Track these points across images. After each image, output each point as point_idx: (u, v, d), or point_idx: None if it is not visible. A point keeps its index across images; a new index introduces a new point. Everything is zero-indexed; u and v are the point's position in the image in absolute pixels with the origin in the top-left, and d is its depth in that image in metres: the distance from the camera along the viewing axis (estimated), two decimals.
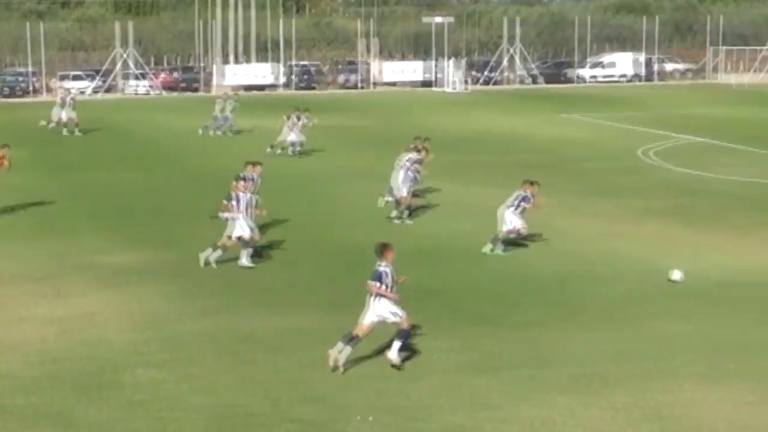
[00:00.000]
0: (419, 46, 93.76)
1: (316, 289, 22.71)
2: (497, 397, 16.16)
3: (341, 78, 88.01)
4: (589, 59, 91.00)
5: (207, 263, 24.32)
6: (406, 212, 29.79)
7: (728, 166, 40.04)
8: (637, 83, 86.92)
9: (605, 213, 31.09)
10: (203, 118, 53.94)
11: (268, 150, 43.28)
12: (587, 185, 36.11)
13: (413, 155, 30.73)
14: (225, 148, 46.51)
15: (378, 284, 17.18)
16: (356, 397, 16.15)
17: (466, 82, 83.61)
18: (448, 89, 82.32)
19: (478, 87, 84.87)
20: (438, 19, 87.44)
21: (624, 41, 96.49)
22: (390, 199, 29.93)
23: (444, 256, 25.85)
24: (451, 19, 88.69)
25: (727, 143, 47.74)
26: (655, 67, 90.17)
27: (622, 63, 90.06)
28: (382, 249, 17.55)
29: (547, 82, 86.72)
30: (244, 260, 24.48)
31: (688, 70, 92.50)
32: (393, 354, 17.19)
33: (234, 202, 24.68)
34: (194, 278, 23.46)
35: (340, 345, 17.20)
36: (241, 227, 24.50)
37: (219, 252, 24.50)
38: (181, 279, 23.37)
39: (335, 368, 17.08)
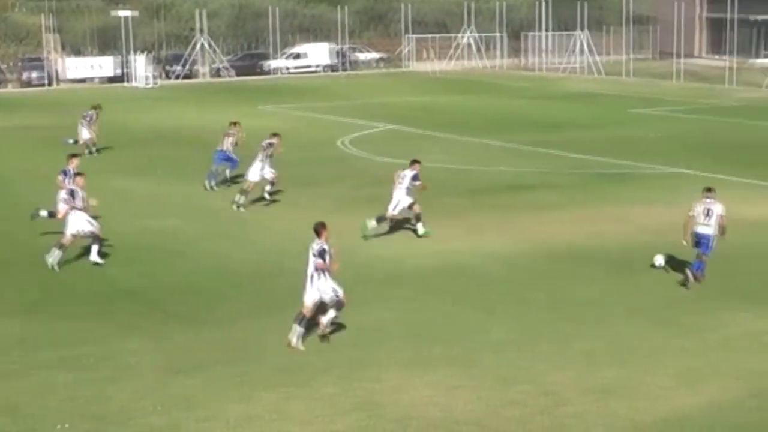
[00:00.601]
0: (108, 41, 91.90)
1: None
2: (200, 396, 16.10)
3: (25, 76, 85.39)
4: (284, 51, 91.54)
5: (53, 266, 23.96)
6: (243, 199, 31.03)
7: (427, 153, 41.10)
8: (332, 73, 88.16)
9: (304, 205, 31.36)
10: None
11: None
12: (285, 176, 36.31)
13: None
14: None
15: (323, 261, 18.28)
16: (51, 406, 15.75)
17: (155, 76, 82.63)
18: (138, 84, 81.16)
19: (171, 81, 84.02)
20: (125, 13, 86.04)
21: (318, 31, 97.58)
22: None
23: (140, 253, 25.51)
24: (137, 13, 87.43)
25: (424, 131, 49.09)
26: (348, 57, 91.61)
27: (317, 53, 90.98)
28: (320, 227, 18.67)
29: (241, 74, 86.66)
30: (95, 256, 24.36)
31: (381, 59, 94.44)
32: (326, 319, 18.54)
33: (71, 197, 24.63)
34: None
35: (294, 327, 18.28)
36: (89, 222, 24.38)
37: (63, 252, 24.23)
38: None
39: (290, 346, 18.15)
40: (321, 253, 18.35)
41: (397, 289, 22.29)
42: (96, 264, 24.28)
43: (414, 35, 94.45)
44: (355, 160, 40.81)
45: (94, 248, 24.44)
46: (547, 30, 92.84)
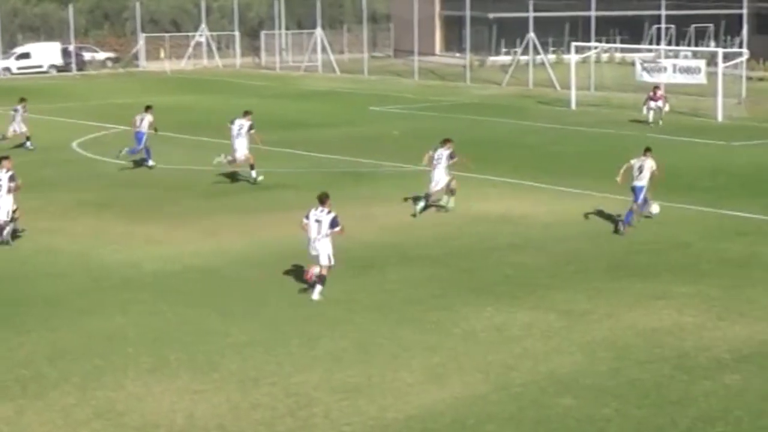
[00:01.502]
0: None
1: None
2: None
3: None
4: (9, 51, 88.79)
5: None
6: None
7: (163, 155, 40.65)
8: (62, 74, 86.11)
9: (35, 209, 30.47)
10: None
11: None
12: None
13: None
14: None
15: (341, 228, 21.64)
16: None
17: None
18: None
19: None
20: None
21: (46, 31, 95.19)
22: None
23: None
24: None
25: (160, 131, 48.45)
26: (78, 56, 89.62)
27: (44, 53, 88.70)
28: (324, 197, 21.99)
29: None
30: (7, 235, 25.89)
31: (113, 58, 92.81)
32: (316, 295, 21.23)
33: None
34: None
35: (318, 288, 21.31)
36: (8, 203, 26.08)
37: None
38: None
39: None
40: (335, 220, 21.55)
41: (135, 293, 21.95)
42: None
43: (147, 34, 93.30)
44: (90, 162, 39.97)
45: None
46: (283, 28, 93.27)
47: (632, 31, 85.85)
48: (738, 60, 57.94)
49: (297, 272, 23.44)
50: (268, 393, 16.30)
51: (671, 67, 56.96)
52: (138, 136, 37.61)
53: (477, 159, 38.97)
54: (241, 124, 34.90)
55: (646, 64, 58.31)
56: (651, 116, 49.12)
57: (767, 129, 47.48)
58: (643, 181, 27.59)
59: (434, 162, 29.81)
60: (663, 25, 71.44)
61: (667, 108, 50.22)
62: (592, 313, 20.42)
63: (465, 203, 30.43)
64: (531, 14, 71.50)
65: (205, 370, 17.29)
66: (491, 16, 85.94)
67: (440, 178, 29.70)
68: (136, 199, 32.13)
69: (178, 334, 19.20)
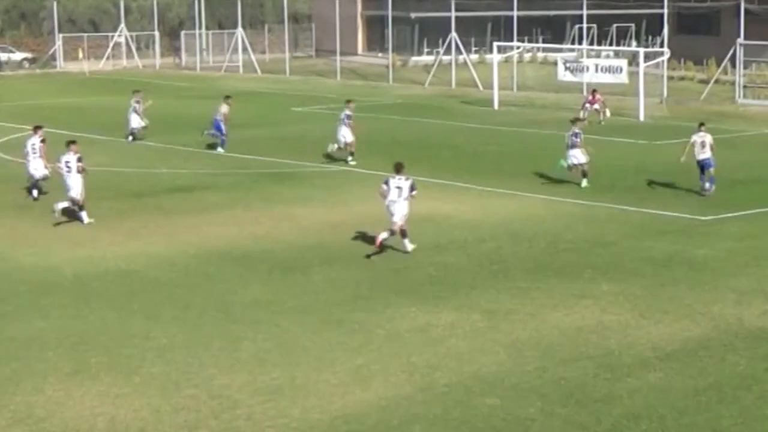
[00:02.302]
0: None
1: None
2: None
3: None
4: None
5: None
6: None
7: (83, 156, 40.33)
8: None
9: None
10: None
11: None
12: None
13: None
14: None
15: (416, 191, 25.34)
16: None
17: None
18: None
19: None
20: None
21: None
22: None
23: None
24: None
25: (79, 132, 48.02)
26: None
27: None
28: (399, 166, 25.66)
29: None
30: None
31: (25, 59, 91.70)
32: (409, 246, 25.21)
33: None
34: None
35: (383, 234, 24.74)
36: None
37: None
38: None
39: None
40: (413, 185, 25.34)
41: (54, 297, 21.75)
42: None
43: (64, 34, 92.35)
44: (7, 164, 39.51)
45: None
46: (204, 28, 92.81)
47: (554, 31, 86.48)
48: (659, 59, 58.60)
49: (220, 274, 23.38)
50: (190, 396, 16.23)
51: (593, 67, 57.50)
52: (216, 124, 42.76)
53: (401, 159, 39.11)
54: (347, 114, 39.36)
55: (568, 64, 58.81)
56: (584, 114, 49.40)
57: (689, 128, 47.89)
58: (707, 153, 31.60)
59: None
60: (585, 25, 71.97)
61: (608, 114, 50.47)
62: (516, 313, 20.56)
63: None
64: (453, 14, 71.76)
65: (127, 374, 17.19)
66: (413, 15, 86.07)
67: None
68: (55, 202, 31.74)
69: (100, 338, 19.06)
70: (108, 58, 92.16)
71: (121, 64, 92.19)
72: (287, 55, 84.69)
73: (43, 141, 32.33)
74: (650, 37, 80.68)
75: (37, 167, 32.03)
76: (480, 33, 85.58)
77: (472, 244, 26.29)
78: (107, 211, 30.40)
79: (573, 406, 15.87)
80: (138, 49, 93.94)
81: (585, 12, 70.34)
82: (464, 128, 49.63)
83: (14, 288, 22.38)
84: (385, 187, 25.30)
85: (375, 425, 15.23)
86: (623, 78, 55.83)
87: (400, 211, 25.04)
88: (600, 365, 17.61)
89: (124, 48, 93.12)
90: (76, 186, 28.87)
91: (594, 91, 51.51)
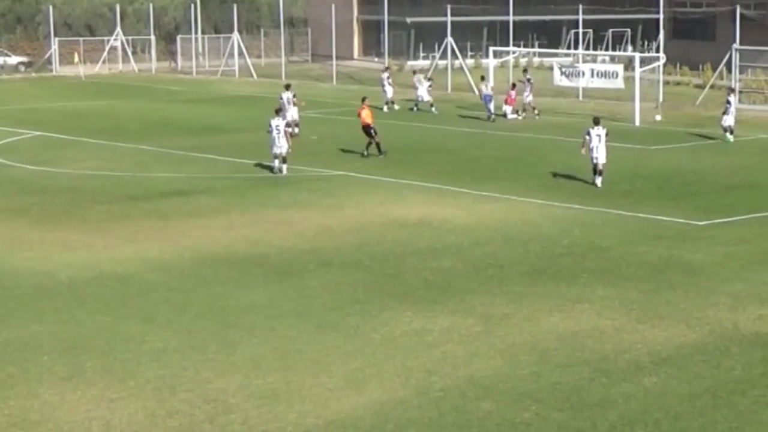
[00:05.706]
0: None
1: None
2: None
3: None
4: None
5: None
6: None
7: (77, 161, 40.36)
8: None
9: None
10: None
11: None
12: None
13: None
14: None
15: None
16: None
17: None
18: None
19: None
20: None
21: None
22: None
23: None
24: None
25: (75, 137, 48.07)
26: None
27: None
28: (598, 119, 34.89)
29: None
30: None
31: (21, 63, 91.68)
32: (600, 183, 33.69)
33: None
34: None
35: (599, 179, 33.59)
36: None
37: None
38: None
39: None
40: (607, 132, 34.25)
41: (49, 300, 21.71)
42: None
43: (60, 38, 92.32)
44: (3, 168, 39.46)
45: None
46: (200, 32, 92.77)
47: (550, 36, 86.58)
48: (655, 64, 58.57)
49: (215, 278, 23.36)
50: (185, 400, 16.21)
51: (589, 72, 57.51)
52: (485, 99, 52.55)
53: (397, 163, 39.18)
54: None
55: (564, 69, 58.84)
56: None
57: (684, 133, 48.07)
58: (603, 149, 34.31)
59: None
60: (581, 30, 72.04)
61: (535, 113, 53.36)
62: (512, 317, 20.55)
63: (384, 208, 30.50)
64: (449, 18, 71.73)
65: (122, 378, 17.16)
66: (409, 20, 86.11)
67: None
68: (51, 206, 31.76)
69: (95, 342, 19.03)
70: (104, 62, 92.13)
71: (117, 68, 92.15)
72: (283, 59, 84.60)
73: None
74: (646, 42, 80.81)
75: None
76: (476, 38, 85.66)
77: (467, 249, 26.27)
78: (102, 215, 30.37)
79: (568, 410, 15.85)
80: (134, 53, 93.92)
81: (581, 17, 70.37)
82: (460, 133, 49.61)
83: (9, 292, 22.34)
84: (587, 137, 34.00)
85: (370, 429, 15.21)
86: (619, 83, 55.86)
87: (602, 153, 33.76)
88: (595, 370, 17.59)
89: (120, 52, 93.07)
90: (284, 145, 36.82)
91: (513, 86, 54.56)
